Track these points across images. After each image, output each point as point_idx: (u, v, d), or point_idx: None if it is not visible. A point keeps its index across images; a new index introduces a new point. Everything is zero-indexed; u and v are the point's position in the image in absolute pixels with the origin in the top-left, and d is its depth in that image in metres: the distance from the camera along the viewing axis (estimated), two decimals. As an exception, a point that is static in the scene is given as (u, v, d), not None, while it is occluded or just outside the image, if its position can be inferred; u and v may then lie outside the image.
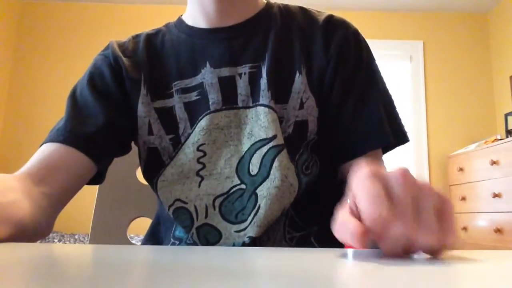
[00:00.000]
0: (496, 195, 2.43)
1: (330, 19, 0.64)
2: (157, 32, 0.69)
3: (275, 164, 0.57)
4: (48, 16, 3.42)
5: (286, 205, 0.58)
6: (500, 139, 2.67)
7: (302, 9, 0.67)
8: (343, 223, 0.31)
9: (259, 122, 0.59)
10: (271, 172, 0.57)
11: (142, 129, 0.62)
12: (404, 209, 0.29)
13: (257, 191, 0.58)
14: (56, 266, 0.25)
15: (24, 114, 3.22)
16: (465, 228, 2.77)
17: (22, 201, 0.45)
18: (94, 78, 0.63)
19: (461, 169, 2.84)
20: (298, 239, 0.60)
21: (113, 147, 0.62)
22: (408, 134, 0.65)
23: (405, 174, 0.31)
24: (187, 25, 0.67)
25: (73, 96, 0.62)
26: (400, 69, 3.31)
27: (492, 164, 2.49)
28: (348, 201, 0.33)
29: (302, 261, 0.28)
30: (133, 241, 0.87)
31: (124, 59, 0.64)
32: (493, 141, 2.66)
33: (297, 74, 0.61)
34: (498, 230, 2.40)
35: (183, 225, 0.60)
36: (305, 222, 0.61)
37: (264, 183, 0.57)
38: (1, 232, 0.40)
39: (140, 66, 0.64)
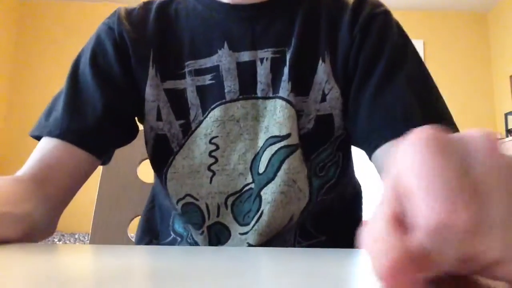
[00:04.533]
0: (496, 195, 2.43)
1: (360, 0, 0.57)
2: (171, 1, 0.61)
3: (284, 166, 0.53)
4: (48, 15, 3.41)
5: (294, 211, 0.54)
6: (500, 139, 2.67)
7: None
8: (372, 234, 0.17)
9: (275, 117, 0.54)
10: (278, 174, 0.53)
11: (150, 114, 0.57)
12: (497, 213, 0.15)
13: (261, 193, 0.54)
14: (58, 267, 0.24)
15: (24, 114, 3.22)
16: (465, 228, 2.77)
17: (31, 208, 0.45)
18: (96, 56, 0.57)
19: (461, 169, 2.84)
20: (305, 248, 0.57)
21: (116, 137, 0.57)
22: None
23: (493, 145, 0.17)
24: None
25: (74, 75, 0.57)
26: (400, 69, 3.31)
27: (492, 164, 2.49)
28: (388, 191, 0.18)
29: (306, 262, 0.28)
30: (134, 240, 0.87)
31: (131, 32, 0.57)
32: (493, 141, 2.66)
33: (320, 62, 0.55)
34: (498, 230, 2.40)
35: (192, 222, 0.57)
36: (317, 231, 0.58)
37: (269, 185, 0.53)
38: (12, 238, 0.40)
39: (149, 41, 0.57)
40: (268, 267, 0.25)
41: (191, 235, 0.58)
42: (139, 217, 0.79)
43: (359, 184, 0.66)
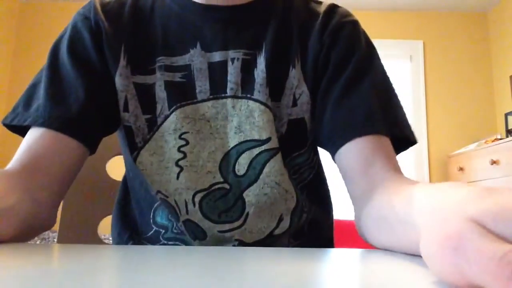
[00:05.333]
0: (496, 195, 2.43)
1: (331, 8, 0.61)
2: None
3: (266, 169, 0.54)
4: (48, 16, 3.42)
5: (282, 211, 0.56)
6: (500, 139, 2.67)
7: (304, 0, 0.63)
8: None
9: (252, 120, 0.55)
10: (261, 177, 0.54)
11: (119, 104, 0.57)
12: None
13: (244, 195, 0.55)
14: (57, 267, 0.25)
15: (24, 114, 3.21)
16: (465, 228, 2.76)
17: (21, 201, 0.44)
18: (74, 44, 0.57)
19: (461, 169, 2.84)
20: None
21: (100, 123, 0.57)
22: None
23: None
24: None
25: (53, 63, 0.57)
26: (400, 69, 3.30)
27: (492, 164, 2.49)
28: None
29: (298, 261, 0.28)
30: (105, 241, 0.82)
31: (105, 23, 0.58)
32: (493, 141, 2.66)
33: (290, 68, 0.57)
34: (498, 230, 2.40)
35: (172, 217, 0.57)
36: (308, 230, 0.59)
37: (252, 188, 0.55)
38: (4, 236, 0.40)
39: (122, 34, 0.58)
40: (257, 267, 0.25)
41: (177, 225, 0.57)
42: (110, 216, 0.73)
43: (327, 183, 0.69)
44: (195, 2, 0.59)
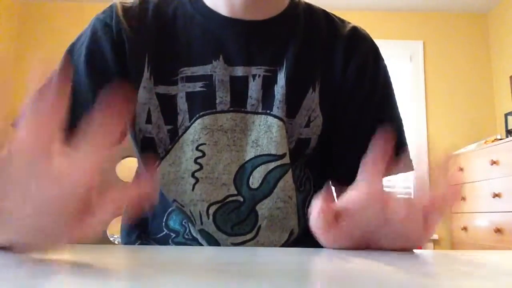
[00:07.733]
0: (496, 195, 2.43)
1: (354, 33, 0.62)
2: (169, 3, 0.60)
3: (280, 184, 0.56)
4: (48, 16, 3.41)
5: (293, 226, 0.57)
6: (500, 139, 2.67)
7: (326, 15, 0.64)
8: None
9: (270, 135, 0.56)
10: (275, 191, 0.56)
11: (140, 116, 0.57)
12: None
13: (257, 207, 0.56)
14: (56, 267, 0.25)
15: (24, 114, 3.21)
16: (465, 228, 2.76)
17: None
18: (93, 54, 0.56)
19: (461, 169, 2.84)
20: None
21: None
22: (410, 147, 0.64)
23: None
24: (204, 6, 0.60)
25: (67, 67, 0.54)
26: (400, 69, 3.30)
27: (492, 164, 2.49)
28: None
29: (301, 260, 0.28)
30: (115, 241, 0.83)
31: (128, 30, 0.56)
32: (493, 141, 2.66)
33: (310, 90, 0.58)
34: (498, 230, 2.40)
35: (187, 223, 0.58)
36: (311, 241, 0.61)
37: (265, 201, 0.56)
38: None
39: (146, 42, 0.57)
40: (260, 266, 0.25)
41: (189, 231, 0.58)
42: (119, 217, 0.75)
43: None
44: (219, 14, 0.59)
